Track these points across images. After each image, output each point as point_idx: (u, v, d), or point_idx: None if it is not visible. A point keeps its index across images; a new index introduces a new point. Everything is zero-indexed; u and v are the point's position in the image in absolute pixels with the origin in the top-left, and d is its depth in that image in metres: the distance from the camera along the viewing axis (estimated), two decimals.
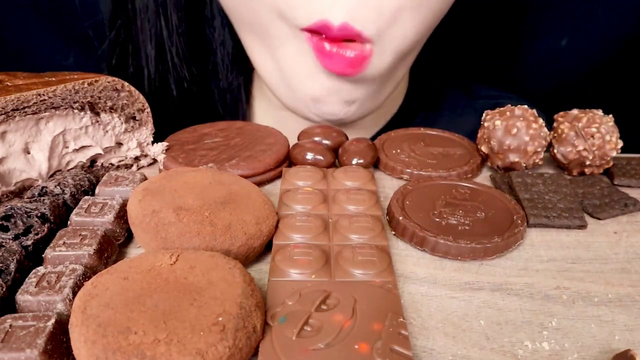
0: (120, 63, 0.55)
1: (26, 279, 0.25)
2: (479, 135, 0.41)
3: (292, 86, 0.46)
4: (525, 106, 0.40)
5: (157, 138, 0.41)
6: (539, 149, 0.39)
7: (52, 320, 0.22)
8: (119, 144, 0.40)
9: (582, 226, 0.34)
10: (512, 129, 0.38)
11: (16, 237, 0.28)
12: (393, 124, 0.57)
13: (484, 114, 0.41)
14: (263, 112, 0.57)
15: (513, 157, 0.39)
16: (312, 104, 0.46)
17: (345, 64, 0.42)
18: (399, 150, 0.42)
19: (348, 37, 0.41)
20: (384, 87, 0.49)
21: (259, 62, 0.49)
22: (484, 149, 0.40)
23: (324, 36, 0.42)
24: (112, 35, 0.54)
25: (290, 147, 0.41)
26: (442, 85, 0.62)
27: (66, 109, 0.35)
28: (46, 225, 0.30)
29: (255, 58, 0.49)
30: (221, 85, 0.56)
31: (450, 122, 0.57)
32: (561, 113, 0.41)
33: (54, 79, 0.35)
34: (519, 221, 0.32)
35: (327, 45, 0.42)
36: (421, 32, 0.45)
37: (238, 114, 0.57)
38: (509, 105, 0.40)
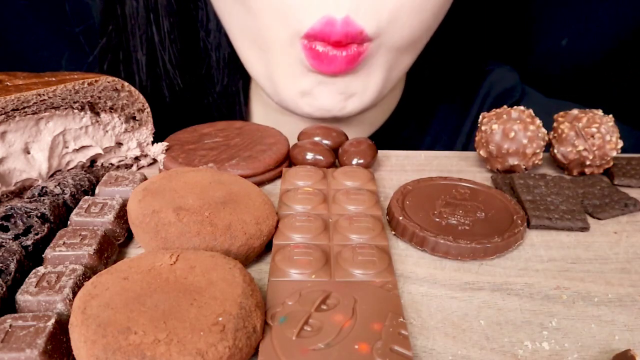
0: (112, 69, 0.54)
1: (26, 279, 0.25)
2: (476, 139, 0.41)
3: (280, 84, 0.47)
4: (522, 107, 0.40)
5: (157, 138, 0.41)
6: (538, 150, 0.39)
7: (52, 320, 0.22)
8: (119, 144, 0.40)
9: (585, 228, 0.34)
10: (510, 132, 0.38)
11: (16, 237, 0.28)
12: (388, 126, 0.57)
13: (480, 117, 0.41)
14: (260, 116, 0.57)
15: (512, 160, 0.39)
16: (301, 98, 0.46)
17: (339, 62, 0.43)
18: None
19: (350, 36, 0.42)
20: (382, 82, 0.49)
21: (249, 65, 0.49)
22: (482, 152, 0.40)
23: (321, 46, 0.42)
24: (103, 41, 0.53)
25: (290, 147, 0.41)
26: (438, 90, 0.62)
27: (66, 109, 0.35)
28: (46, 225, 0.30)
29: (246, 60, 0.49)
30: (217, 90, 0.55)
31: (443, 129, 0.57)
32: (561, 113, 0.41)
33: (54, 79, 0.35)
34: (519, 221, 0.32)
35: (320, 47, 0.42)
36: (420, 32, 0.46)
37: (235, 119, 0.56)
38: (505, 106, 0.40)
